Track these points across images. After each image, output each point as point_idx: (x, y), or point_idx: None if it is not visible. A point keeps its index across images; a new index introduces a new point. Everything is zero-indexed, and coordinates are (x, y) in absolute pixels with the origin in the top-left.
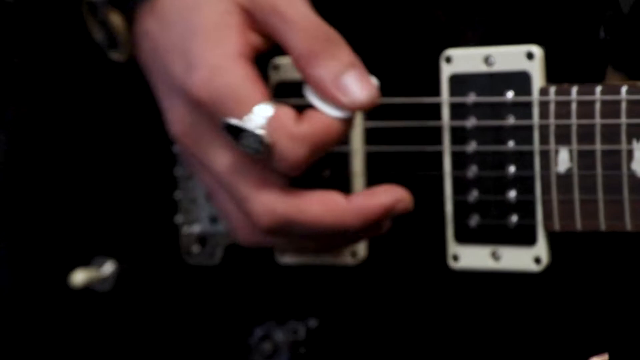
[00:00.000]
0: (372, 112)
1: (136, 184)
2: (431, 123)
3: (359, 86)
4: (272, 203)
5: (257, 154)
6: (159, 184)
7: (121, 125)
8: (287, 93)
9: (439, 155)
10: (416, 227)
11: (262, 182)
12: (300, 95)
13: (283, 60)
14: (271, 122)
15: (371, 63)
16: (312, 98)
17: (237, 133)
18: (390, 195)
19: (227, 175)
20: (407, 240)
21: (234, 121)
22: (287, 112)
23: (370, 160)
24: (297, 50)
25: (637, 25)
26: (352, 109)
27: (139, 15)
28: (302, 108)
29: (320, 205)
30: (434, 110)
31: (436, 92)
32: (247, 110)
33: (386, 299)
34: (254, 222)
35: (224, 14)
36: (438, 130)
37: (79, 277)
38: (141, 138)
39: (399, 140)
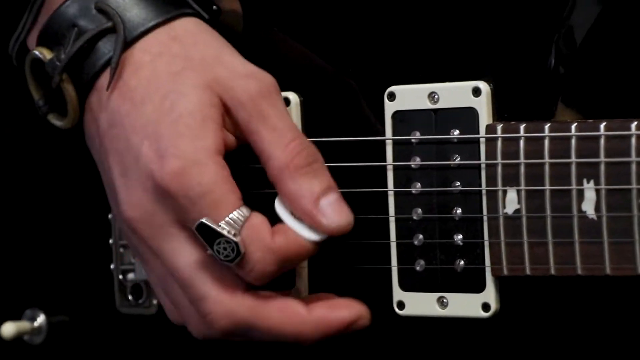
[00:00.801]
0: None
1: (70, 233)
2: (374, 164)
3: (338, 211)
4: (232, 307)
5: (228, 261)
6: (94, 231)
7: (53, 172)
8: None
9: (384, 197)
10: (362, 272)
11: (223, 284)
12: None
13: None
14: (248, 231)
15: (317, 102)
16: (285, 215)
17: (210, 237)
18: (352, 312)
19: (186, 273)
20: (353, 285)
21: (210, 224)
22: (264, 222)
23: None
24: (279, 160)
25: (590, 58)
26: (327, 233)
27: (98, 87)
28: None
29: (280, 314)
30: (378, 149)
31: (382, 130)
32: (224, 214)
33: (333, 347)
34: (210, 323)
35: (208, 106)
36: (382, 170)
37: (8, 329)
38: (74, 184)
39: (343, 180)
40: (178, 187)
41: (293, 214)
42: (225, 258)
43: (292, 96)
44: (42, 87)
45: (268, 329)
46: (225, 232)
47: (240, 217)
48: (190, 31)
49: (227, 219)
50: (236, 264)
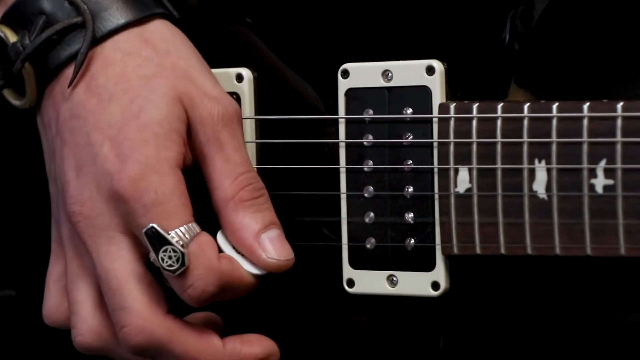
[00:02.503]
0: (266, 128)
1: (17, 207)
2: (326, 141)
3: (279, 247)
4: (152, 325)
5: (171, 271)
6: (43, 206)
7: (13, 147)
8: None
9: (335, 174)
10: (312, 249)
11: (149, 300)
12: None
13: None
14: (196, 246)
15: (270, 79)
16: (227, 247)
17: (158, 243)
18: (265, 348)
19: (117, 279)
20: (303, 262)
21: (160, 230)
22: (212, 242)
23: (265, 177)
24: (226, 192)
25: (545, 38)
26: (265, 267)
27: (63, 78)
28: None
29: (197, 342)
30: (331, 127)
31: (335, 107)
32: (175, 224)
33: (281, 325)
34: (124, 335)
35: (176, 119)
36: (334, 148)
37: None
38: (24, 159)
39: (295, 157)
40: (134, 192)
41: (235, 247)
42: (168, 267)
43: (245, 72)
44: (1, 62)
45: (182, 355)
46: (173, 241)
47: (190, 231)
48: (163, 37)
49: (177, 230)
50: (177, 275)
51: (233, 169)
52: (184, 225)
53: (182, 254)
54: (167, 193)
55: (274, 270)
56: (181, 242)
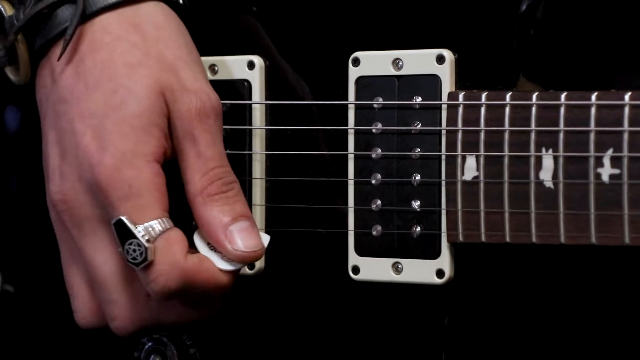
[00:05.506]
0: (276, 115)
1: (22, 194)
2: (335, 127)
3: (246, 238)
4: (139, 314)
5: (134, 264)
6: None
7: (13, 142)
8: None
9: (344, 161)
10: (318, 236)
11: (132, 289)
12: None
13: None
14: (162, 242)
15: (281, 66)
16: (201, 245)
17: (125, 235)
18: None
19: (101, 271)
20: (309, 248)
21: (127, 223)
22: (181, 239)
23: (272, 164)
24: (196, 186)
25: (554, 31)
26: (232, 258)
27: (52, 56)
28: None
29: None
30: (341, 114)
31: (345, 95)
32: (146, 218)
33: (285, 311)
34: (115, 327)
35: (155, 113)
36: (344, 135)
37: None
38: (30, 143)
39: (304, 144)
40: (109, 184)
41: (210, 245)
42: (132, 260)
43: (257, 60)
44: (3, 40)
45: (173, 322)
46: (138, 235)
47: (159, 226)
48: (155, 23)
49: (145, 224)
50: (141, 268)
51: (204, 164)
52: (155, 220)
53: (146, 248)
54: (141, 187)
55: (240, 260)
56: (147, 237)
